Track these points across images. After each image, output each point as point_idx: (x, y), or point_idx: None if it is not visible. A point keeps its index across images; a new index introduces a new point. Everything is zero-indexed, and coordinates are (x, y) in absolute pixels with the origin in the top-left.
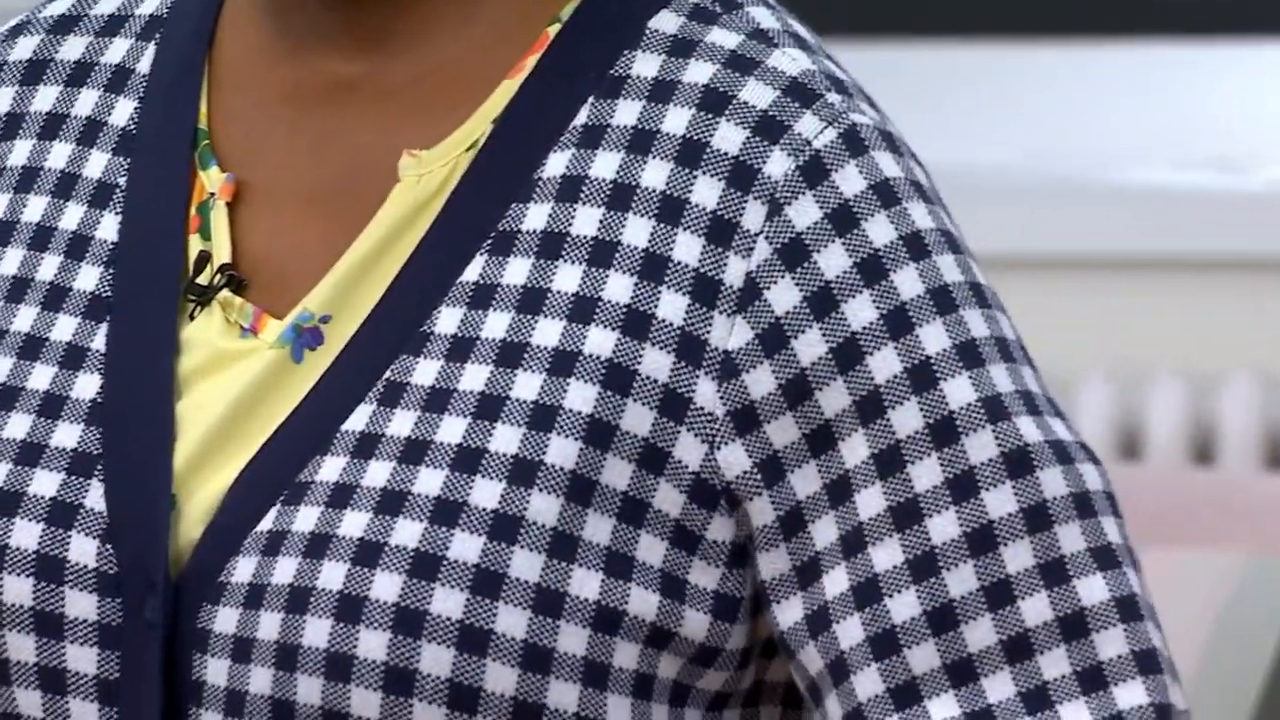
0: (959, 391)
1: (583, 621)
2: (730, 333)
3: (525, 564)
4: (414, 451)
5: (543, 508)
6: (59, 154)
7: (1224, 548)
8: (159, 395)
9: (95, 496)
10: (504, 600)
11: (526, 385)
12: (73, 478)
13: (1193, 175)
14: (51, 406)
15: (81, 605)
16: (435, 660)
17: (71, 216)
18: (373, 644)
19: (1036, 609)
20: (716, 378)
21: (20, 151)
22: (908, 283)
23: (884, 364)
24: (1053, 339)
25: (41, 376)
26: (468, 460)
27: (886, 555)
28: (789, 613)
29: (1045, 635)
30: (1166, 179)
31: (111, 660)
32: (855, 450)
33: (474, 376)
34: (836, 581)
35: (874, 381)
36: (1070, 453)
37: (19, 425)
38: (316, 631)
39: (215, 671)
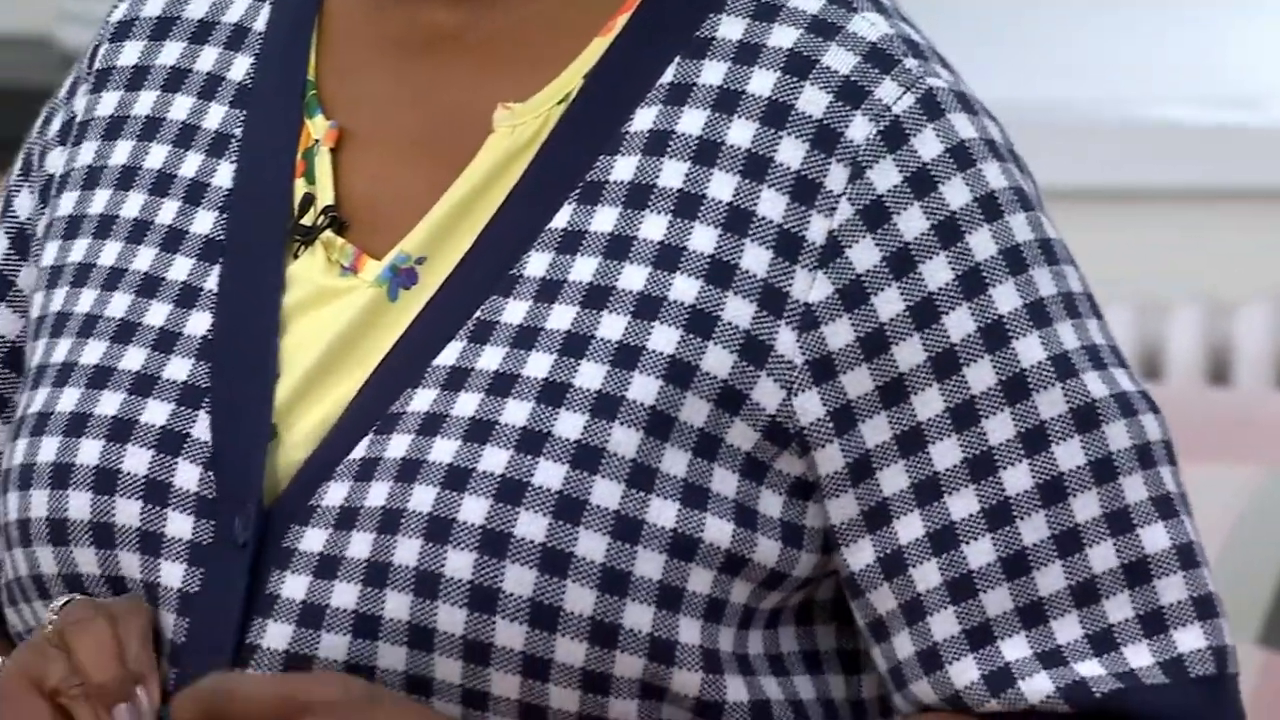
0: (1030, 350)
1: (659, 548)
2: (811, 286)
3: (605, 492)
4: (501, 384)
5: (623, 440)
6: (180, 106)
7: (1240, 463)
8: (265, 332)
9: (201, 427)
10: (584, 526)
11: (611, 326)
12: (182, 408)
13: (1212, 112)
14: (165, 342)
15: (179, 526)
16: (518, 580)
17: (190, 165)
18: (460, 563)
19: (1103, 556)
20: (797, 328)
21: (144, 102)
22: (982, 244)
23: (959, 323)
24: None
25: (157, 314)
26: (553, 394)
27: (963, 504)
28: (860, 555)
29: (1111, 581)
30: (1186, 115)
31: (195, 576)
32: (929, 404)
33: (561, 316)
34: (911, 527)
35: (949, 339)
36: (1133, 404)
37: (134, 358)
38: (406, 551)
39: (293, 587)
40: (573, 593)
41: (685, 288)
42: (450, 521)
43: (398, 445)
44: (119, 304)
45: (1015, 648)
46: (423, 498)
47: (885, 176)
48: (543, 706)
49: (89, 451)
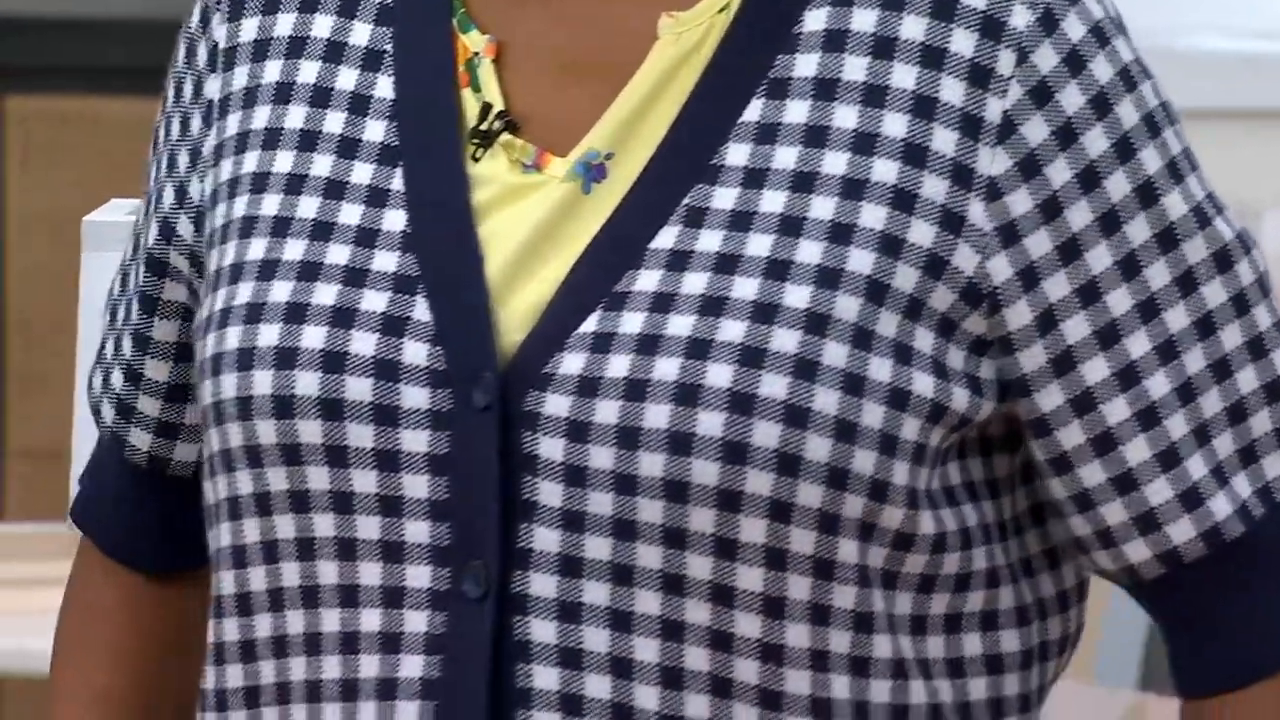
0: (1174, 204)
1: (879, 400)
2: (993, 161)
3: (834, 353)
4: (726, 263)
5: (846, 306)
6: (322, 25)
7: None
8: (463, 224)
9: (421, 310)
10: (819, 383)
11: (823, 207)
12: (398, 295)
13: (1237, 41)
14: (366, 238)
15: (415, 397)
16: (765, 434)
17: (346, 78)
18: (711, 423)
19: (1247, 379)
20: (984, 199)
21: (284, 23)
22: (1127, 112)
23: (1118, 185)
24: None
25: (351, 213)
26: (778, 269)
27: (1138, 344)
28: (1050, 398)
29: (1254, 400)
30: (1212, 43)
31: (442, 439)
32: (1100, 259)
33: (772, 200)
34: (1096, 370)
35: (1111, 201)
36: (1247, 242)
37: (339, 254)
38: (657, 415)
39: (550, 448)
40: (812, 442)
41: (885, 169)
42: (698, 387)
43: (631, 321)
44: (308, 206)
45: (1195, 466)
46: (667, 368)
47: (1046, 58)
48: (783, 549)
49: (313, 336)
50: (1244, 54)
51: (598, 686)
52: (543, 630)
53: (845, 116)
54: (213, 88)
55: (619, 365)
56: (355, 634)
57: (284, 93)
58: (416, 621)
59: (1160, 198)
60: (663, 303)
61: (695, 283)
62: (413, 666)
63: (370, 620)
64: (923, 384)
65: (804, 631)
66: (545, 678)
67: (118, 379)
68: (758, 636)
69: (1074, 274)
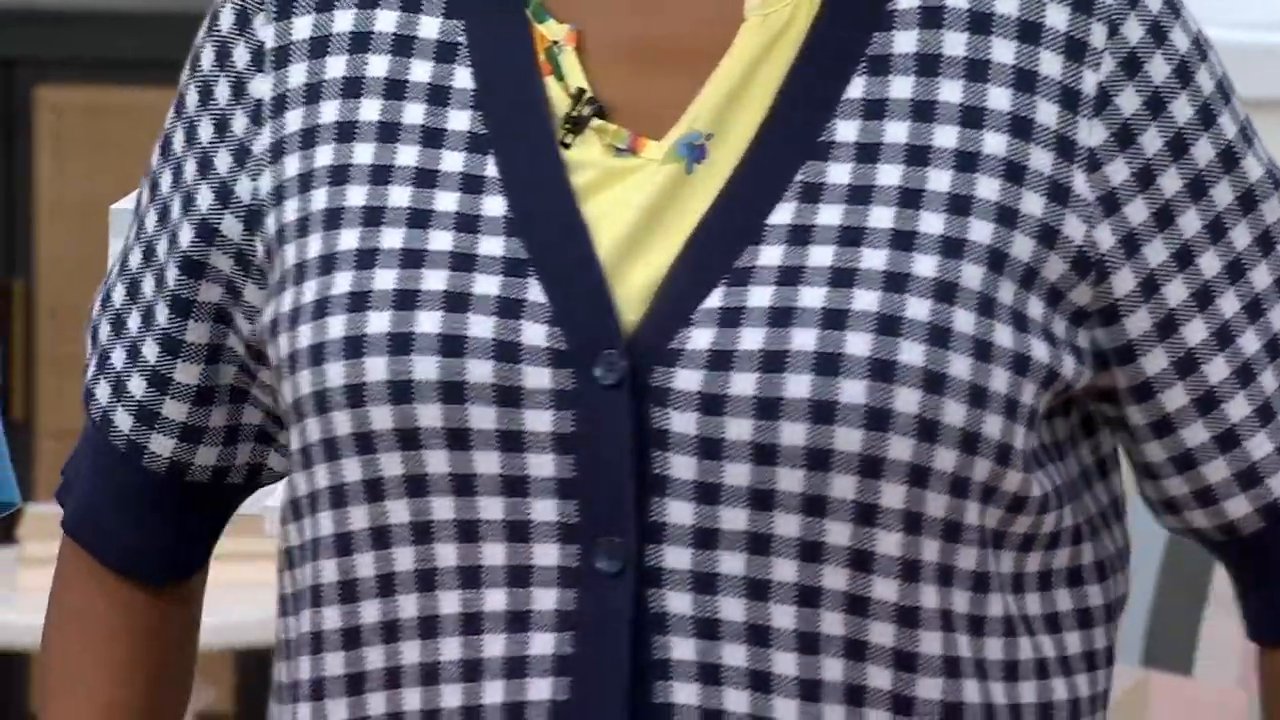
0: (1251, 167)
1: (1005, 366)
2: (1091, 133)
3: (963, 320)
4: (851, 236)
5: (971, 275)
6: (386, 19)
7: None
8: (567, 206)
9: (535, 292)
10: (953, 350)
11: (939, 180)
12: (510, 278)
13: (1245, 33)
14: (467, 224)
15: (537, 378)
16: (906, 400)
17: (421, 70)
18: (854, 391)
19: None
20: (1085, 169)
21: (343, 20)
22: (1205, 80)
23: (1203, 151)
24: None
25: (447, 201)
26: (903, 240)
27: (1229, 304)
28: (1155, 362)
29: None
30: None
31: (567, 418)
32: (1190, 223)
33: (889, 174)
34: (1196, 331)
35: (1198, 166)
36: None
37: (442, 240)
38: (798, 385)
39: (683, 423)
40: (949, 408)
41: (995, 142)
42: (839, 356)
43: (759, 295)
44: (400, 195)
45: None
46: (804, 338)
47: (1133, 30)
48: (919, 513)
49: (428, 322)
50: (1244, 45)
51: (735, 655)
52: (679, 602)
53: (951, 91)
54: (262, 87)
55: (752, 338)
56: (478, 614)
57: (353, 87)
58: (546, 599)
59: (1239, 161)
60: (791, 276)
61: (822, 255)
62: (543, 644)
63: (495, 600)
64: (1039, 350)
65: (933, 593)
66: (682, 649)
67: (137, 386)
68: (893, 600)
69: (1170, 239)
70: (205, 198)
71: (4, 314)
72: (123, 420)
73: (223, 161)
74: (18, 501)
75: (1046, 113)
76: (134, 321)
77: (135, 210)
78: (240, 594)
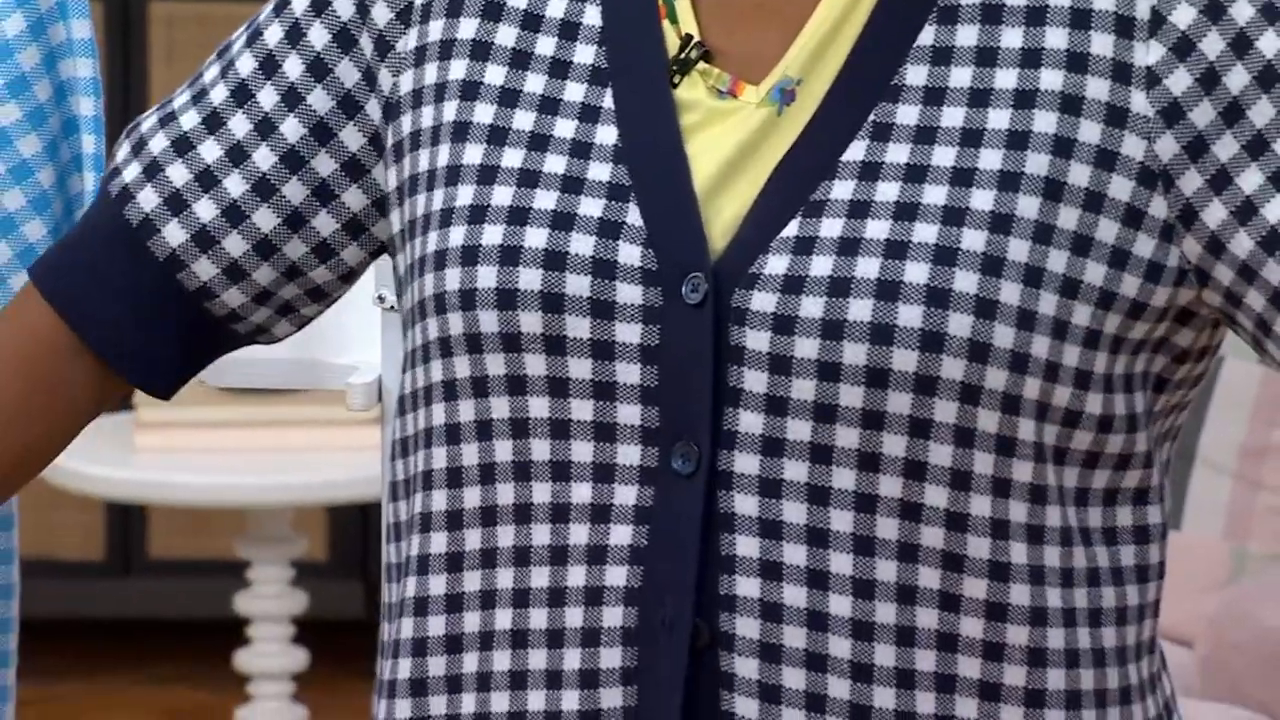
0: None
1: (1055, 289)
2: (1148, 52)
3: (1017, 249)
4: (915, 173)
5: (1027, 206)
6: None
7: None
8: (670, 140)
9: (634, 215)
10: (1004, 277)
11: (999, 118)
12: (613, 202)
13: None
14: (580, 150)
15: (629, 294)
16: (959, 324)
17: (556, 6)
18: (911, 315)
19: None
20: (1144, 88)
21: None
22: None
23: (1270, 44)
24: None
25: (565, 127)
26: (963, 176)
27: None
28: (1241, 245)
29: None
30: None
31: (654, 332)
32: (1263, 112)
33: (952, 116)
34: (1276, 209)
35: (1265, 58)
36: None
37: (556, 164)
38: (860, 309)
39: (757, 341)
40: (999, 331)
41: (1052, 78)
42: (898, 284)
43: (830, 226)
44: (523, 119)
45: None
46: (868, 267)
47: None
48: (970, 428)
49: (536, 237)
50: None
51: (795, 555)
52: (746, 504)
53: (1012, 37)
54: None
55: (822, 265)
56: (566, 505)
57: (493, 11)
58: (626, 495)
59: None
60: (859, 209)
61: (888, 191)
62: (622, 535)
63: (581, 493)
64: (1094, 273)
65: (986, 503)
66: (747, 546)
67: (206, 210)
68: (944, 506)
69: (1240, 132)
70: (348, 74)
71: None
72: (173, 233)
73: (367, 45)
74: None
75: (1101, 44)
76: (211, 151)
77: (223, 49)
78: (331, 457)
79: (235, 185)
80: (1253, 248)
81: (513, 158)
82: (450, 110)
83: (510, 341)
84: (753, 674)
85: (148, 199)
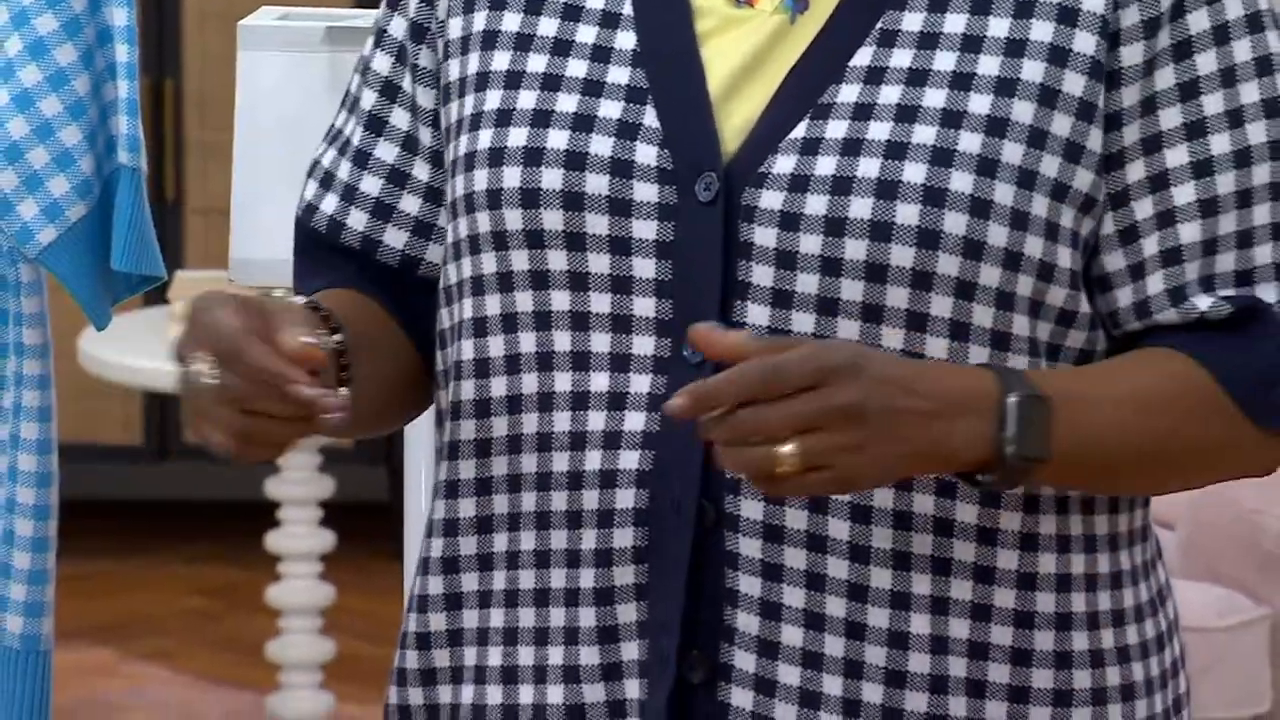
0: (1275, 42)
1: (1046, 193)
2: (1127, 15)
3: (1012, 152)
4: (917, 77)
5: (1022, 111)
6: None
7: None
8: (686, 45)
9: (650, 117)
10: (998, 179)
11: (998, 26)
12: (630, 104)
13: None
14: (600, 54)
15: (645, 192)
16: (954, 223)
17: None
18: (909, 213)
19: None
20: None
21: None
22: None
23: (1232, 6)
24: None
25: (586, 33)
26: (962, 81)
27: (1219, 143)
28: (1134, 171)
29: None
30: None
31: (668, 228)
32: (1207, 64)
33: (955, 22)
34: (1178, 155)
35: (1225, 18)
36: None
37: (578, 68)
38: (861, 207)
39: (764, 237)
40: (993, 230)
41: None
42: (896, 183)
43: (836, 128)
44: (547, 26)
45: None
46: (869, 167)
47: None
48: (966, 322)
49: (557, 139)
50: None
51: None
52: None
53: None
54: None
55: (826, 165)
56: (585, 393)
57: None
58: (640, 384)
59: (1265, 31)
60: (863, 111)
61: (891, 94)
62: (635, 421)
63: (599, 382)
64: (1082, 179)
65: None
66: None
67: (371, 185)
68: None
69: (1181, 72)
70: (397, 26)
71: (157, 108)
72: (356, 219)
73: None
74: (164, 275)
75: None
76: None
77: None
78: None
79: (386, 153)
80: (1140, 179)
81: (537, 63)
82: (480, 20)
83: (534, 238)
84: (756, 553)
85: (328, 204)
